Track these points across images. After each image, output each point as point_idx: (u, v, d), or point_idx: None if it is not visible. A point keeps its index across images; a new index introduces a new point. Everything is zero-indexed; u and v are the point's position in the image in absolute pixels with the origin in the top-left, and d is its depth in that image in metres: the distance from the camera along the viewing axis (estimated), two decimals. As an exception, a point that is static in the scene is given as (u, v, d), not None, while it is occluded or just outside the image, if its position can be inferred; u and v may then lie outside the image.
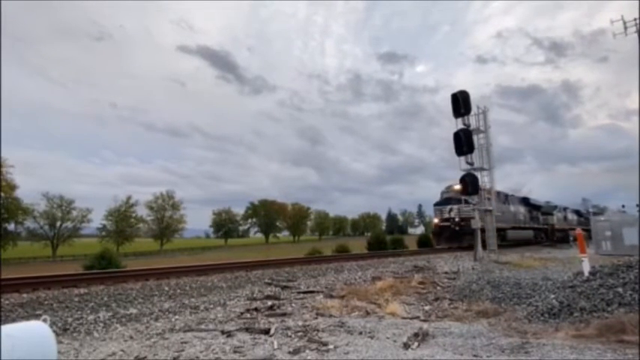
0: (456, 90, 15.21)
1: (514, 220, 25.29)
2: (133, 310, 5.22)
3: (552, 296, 5.04)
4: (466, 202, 18.14)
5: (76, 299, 5.83)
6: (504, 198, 24.30)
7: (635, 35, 17.63)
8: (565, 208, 38.29)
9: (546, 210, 32.66)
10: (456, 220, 20.28)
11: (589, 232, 36.40)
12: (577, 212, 42.35)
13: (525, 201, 29.25)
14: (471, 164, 15.01)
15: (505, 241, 22.07)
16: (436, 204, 22.32)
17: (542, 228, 30.95)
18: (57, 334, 3.66)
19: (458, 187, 19.53)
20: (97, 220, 67.85)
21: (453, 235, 20.20)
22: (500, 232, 20.69)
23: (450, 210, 20.77)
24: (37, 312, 4.92)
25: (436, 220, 22.10)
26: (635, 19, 17.80)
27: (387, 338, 3.81)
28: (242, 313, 5.06)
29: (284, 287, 7.32)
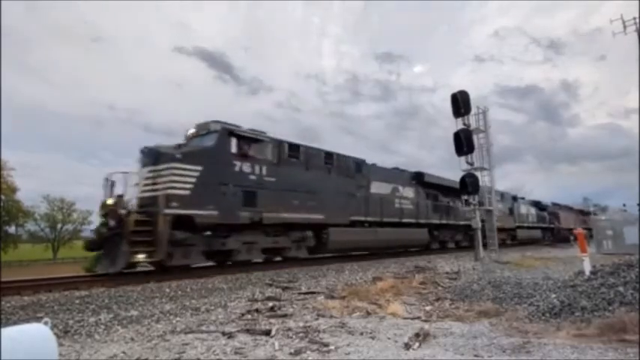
0: (454, 90, 15.23)
1: (394, 212, 15.27)
2: (134, 312, 5.22)
3: (553, 296, 5.04)
4: (170, 159, 8.42)
5: (77, 301, 5.83)
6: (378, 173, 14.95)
7: (635, 34, 17.66)
8: (515, 197, 27.14)
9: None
10: (110, 201, 8.52)
11: (554, 232, 32.09)
12: (537, 204, 31.70)
13: (420, 180, 17.85)
14: (471, 164, 15.01)
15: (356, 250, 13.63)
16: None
17: (462, 225, 19.87)
18: (58, 337, 3.66)
19: (193, 131, 10.15)
20: (98, 221, 67.77)
21: (104, 240, 8.19)
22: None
23: (145, 179, 8.77)
24: (38, 314, 4.92)
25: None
26: (634, 18, 17.84)
27: (388, 339, 3.81)
28: (243, 315, 5.06)
29: (285, 288, 7.32)
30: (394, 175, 16.40)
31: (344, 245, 12.99)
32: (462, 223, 19.91)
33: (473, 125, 15.30)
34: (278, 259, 11.45)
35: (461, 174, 14.91)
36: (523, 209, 27.79)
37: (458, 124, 14.83)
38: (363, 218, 13.79)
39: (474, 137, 15.07)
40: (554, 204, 36.47)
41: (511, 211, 25.42)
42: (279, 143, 11.22)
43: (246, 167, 10.10)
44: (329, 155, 13.03)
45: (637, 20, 17.78)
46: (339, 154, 13.53)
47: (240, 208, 9.64)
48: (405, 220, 15.82)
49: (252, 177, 10.18)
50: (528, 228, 27.84)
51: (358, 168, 14.19)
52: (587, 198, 51.86)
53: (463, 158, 14.90)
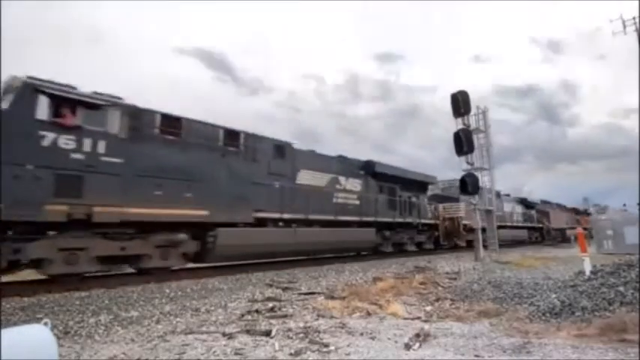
0: (453, 89, 15.18)
1: (330, 208, 12.44)
2: (134, 313, 5.22)
3: (554, 296, 5.04)
4: None
5: (77, 302, 5.83)
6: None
7: (635, 34, 17.68)
8: (498, 194, 21.67)
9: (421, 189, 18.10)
10: None
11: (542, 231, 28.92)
12: (523, 202, 28.93)
13: (371, 170, 14.81)
14: (471, 164, 15.03)
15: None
16: None
17: (427, 224, 17.43)
18: (58, 338, 3.66)
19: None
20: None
21: None
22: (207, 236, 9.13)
23: None
24: (38, 315, 4.92)
25: None
26: (634, 18, 17.88)
27: (389, 339, 3.81)
28: (243, 315, 5.06)
29: (285, 289, 7.32)
30: (334, 163, 13.52)
31: (241, 250, 9.83)
32: (425, 221, 17.23)
33: (473, 125, 15.34)
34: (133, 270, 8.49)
35: (461, 174, 14.93)
36: (506, 207, 25.39)
37: (458, 124, 14.86)
38: (277, 215, 10.67)
39: (474, 137, 15.10)
40: (544, 202, 33.61)
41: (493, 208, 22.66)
42: (133, 111, 8.14)
43: (66, 141, 7.06)
44: (232, 134, 10.07)
45: (637, 20, 17.81)
46: (249, 133, 10.55)
47: (47, 198, 6.75)
48: (343, 218, 12.72)
49: (77, 155, 7.17)
50: (511, 228, 25.15)
51: (279, 152, 11.22)
52: (587, 198, 51.58)
53: (463, 158, 14.94)
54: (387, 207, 15.19)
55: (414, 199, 17.08)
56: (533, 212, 29.71)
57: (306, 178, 12.01)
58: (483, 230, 15.05)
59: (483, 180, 15.54)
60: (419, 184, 17.82)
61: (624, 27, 18.21)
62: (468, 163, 14.98)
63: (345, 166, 14.02)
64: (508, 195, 27.63)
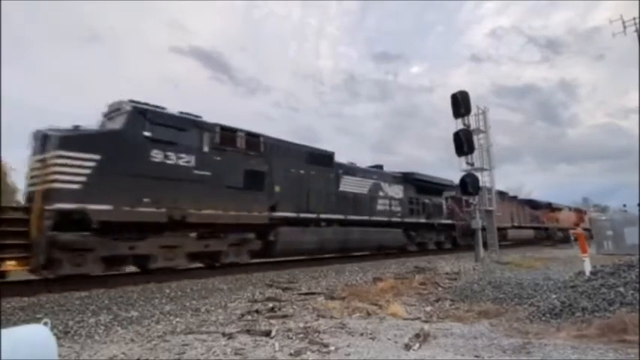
0: (451, 89, 15.06)
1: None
2: (134, 313, 5.22)
3: (554, 296, 5.03)
4: None
5: (77, 302, 5.83)
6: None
7: (634, 34, 17.70)
8: (327, 157, 13.00)
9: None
10: None
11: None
12: (412, 182, 17.33)
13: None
14: (472, 164, 15.02)
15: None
16: None
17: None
18: (58, 338, 3.66)
19: None
20: (98, 223, 67.61)
21: None
22: None
23: None
24: (38, 315, 4.92)
25: None
26: (634, 19, 17.92)
27: (389, 339, 3.81)
28: (243, 315, 5.06)
29: (285, 289, 7.31)
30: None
31: None
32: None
33: (473, 125, 15.31)
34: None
35: (461, 174, 14.91)
36: (351, 184, 13.84)
37: (458, 125, 14.85)
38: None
39: (474, 138, 15.09)
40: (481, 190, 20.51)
41: (258, 181, 10.46)
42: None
43: None
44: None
45: (636, 20, 17.83)
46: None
47: None
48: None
49: None
50: (367, 225, 14.02)
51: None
52: (586, 198, 51.00)
53: (463, 158, 14.92)
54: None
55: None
56: (440, 201, 18.60)
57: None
58: (483, 230, 15.00)
59: (483, 180, 15.50)
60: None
61: (624, 28, 18.25)
62: (467, 163, 14.97)
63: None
64: (380, 166, 16.82)
